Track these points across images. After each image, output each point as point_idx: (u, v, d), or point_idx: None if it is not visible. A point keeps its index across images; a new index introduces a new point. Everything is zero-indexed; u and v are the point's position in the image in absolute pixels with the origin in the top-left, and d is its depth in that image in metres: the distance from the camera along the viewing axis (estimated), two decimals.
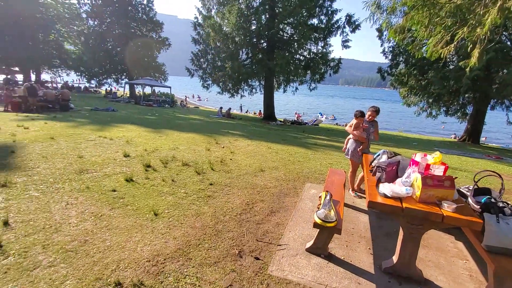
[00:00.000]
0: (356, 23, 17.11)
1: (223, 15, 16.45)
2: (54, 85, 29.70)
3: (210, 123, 13.94)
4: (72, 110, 13.24)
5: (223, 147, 7.47)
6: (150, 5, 27.22)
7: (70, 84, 31.10)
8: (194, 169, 5.32)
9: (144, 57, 26.81)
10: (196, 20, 19.08)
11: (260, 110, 26.11)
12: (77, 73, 27.25)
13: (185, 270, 2.54)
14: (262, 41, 18.64)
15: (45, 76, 31.73)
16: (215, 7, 18.08)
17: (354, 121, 4.58)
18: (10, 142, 6.12)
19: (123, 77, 28.28)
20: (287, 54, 16.64)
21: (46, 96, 12.90)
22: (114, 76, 28.02)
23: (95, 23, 26.39)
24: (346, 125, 4.92)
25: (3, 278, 2.26)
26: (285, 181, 5.16)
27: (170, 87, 27.13)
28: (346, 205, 4.23)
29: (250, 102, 35.51)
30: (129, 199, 3.84)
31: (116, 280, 2.31)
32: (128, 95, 27.90)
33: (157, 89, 29.51)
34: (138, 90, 27.67)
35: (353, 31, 17.28)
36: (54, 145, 6.17)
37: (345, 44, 17.62)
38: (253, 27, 17.27)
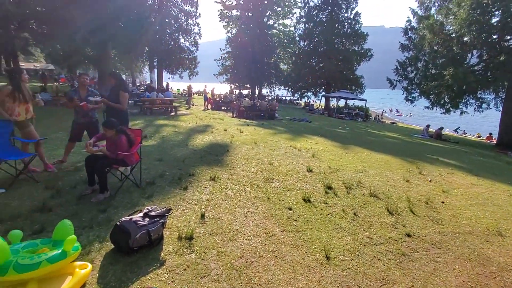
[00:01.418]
0: None
1: (447, 10, 13.16)
2: (269, 97, 37.02)
3: (411, 144, 11.47)
4: (276, 119, 15.46)
5: (430, 181, 5.55)
6: (357, 18, 27.28)
7: (279, 97, 37.59)
8: (384, 204, 4.13)
9: (343, 70, 27.25)
10: (408, 24, 16.69)
11: (490, 134, 18.93)
12: (285, 88, 32.29)
13: None
14: (510, 37, 13.19)
15: (264, 90, 40.26)
16: (436, 4, 14.91)
17: None
18: (228, 142, 7.68)
19: (321, 90, 30.29)
20: None
21: (260, 107, 15.92)
22: (313, 90, 30.67)
23: (305, 43, 30.02)
24: None
25: (181, 275, 2.38)
26: None
27: (365, 100, 25.85)
28: None
29: (471, 121, 26.94)
30: (302, 224, 3.39)
31: None
32: (323, 107, 29.51)
33: (351, 102, 29.15)
34: (333, 102, 28.56)
35: None
36: (255, 149, 7.07)
37: None
38: (495, 20, 12.57)
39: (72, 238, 2.20)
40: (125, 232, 2.52)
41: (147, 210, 2.86)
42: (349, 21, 27.58)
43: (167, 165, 5.29)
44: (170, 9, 26.76)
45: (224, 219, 3.37)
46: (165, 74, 30.38)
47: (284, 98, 39.24)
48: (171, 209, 3.02)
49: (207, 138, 8.19)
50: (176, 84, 46.87)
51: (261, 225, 3.31)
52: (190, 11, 28.47)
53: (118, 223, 2.58)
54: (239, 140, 8.11)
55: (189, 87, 20.88)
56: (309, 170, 5.50)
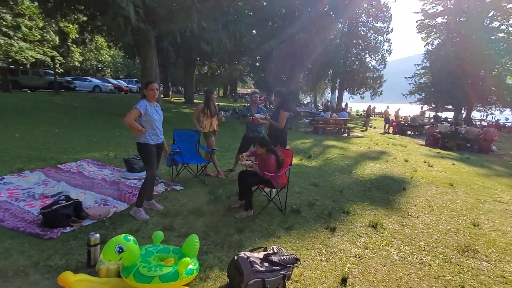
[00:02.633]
0: None
1: None
2: (483, 123, 27.46)
3: None
4: (494, 153, 10.82)
5: None
6: None
7: (500, 122, 26.96)
8: None
9: None
10: None
11: None
12: None
13: None
14: None
15: (475, 114, 30.42)
16: None
17: None
18: (407, 178, 5.91)
19: None
20: None
21: (467, 134, 11.78)
22: None
23: None
24: None
25: None
26: None
27: None
28: None
29: None
30: None
31: None
32: None
33: None
34: None
35: None
36: (448, 195, 4.94)
37: None
38: None
39: (185, 261, 2.03)
40: (239, 271, 2.10)
41: (270, 252, 2.32)
42: None
43: (321, 193, 4.62)
44: (359, 29, 26.28)
45: None
46: (345, 94, 30.12)
47: (509, 124, 27.77)
48: (298, 260, 2.32)
49: (378, 167, 6.77)
50: (356, 105, 45.59)
51: None
52: (381, 27, 26.65)
53: (235, 257, 2.20)
54: (425, 177, 6.07)
55: (369, 108, 19.26)
56: None
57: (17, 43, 24.35)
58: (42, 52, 26.66)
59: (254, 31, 16.48)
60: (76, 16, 9.75)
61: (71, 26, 22.03)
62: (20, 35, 24.79)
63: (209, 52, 12.75)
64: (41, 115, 8.59)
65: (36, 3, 9.45)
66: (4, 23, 23.18)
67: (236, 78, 28.01)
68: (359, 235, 3.25)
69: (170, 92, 24.21)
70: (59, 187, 3.72)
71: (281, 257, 2.26)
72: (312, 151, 8.38)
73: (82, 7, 9.15)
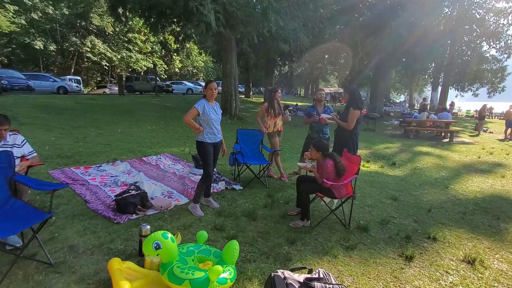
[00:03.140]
0: None
1: None
2: None
3: None
4: None
5: None
6: None
7: None
8: None
9: None
10: None
11: None
12: None
13: None
14: None
15: None
16: None
17: None
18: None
19: None
20: None
21: None
22: None
23: None
24: None
25: None
26: None
27: None
28: None
29: None
30: None
31: None
32: None
33: None
34: None
35: None
36: None
37: None
38: None
39: (216, 270, 1.90)
40: None
41: (315, 276, 1.96)
42: None
43: (400, 210, 3.84)
44: (472, 12, 21.42)
45: None
46: (451, 92, 25.15)
47: None
48: None
49: (489, 184, 5.28)
50: (467, 104, 37.62)
51: None
52: (504, 8, 21.04)
53: (272, 274, 1.95)
54: None
55: (483, 108, 15.46)
56: None
57: (135, 55, 29.92)
58: (151, 62, 32.03)
59: (337, 26, 15.44)
60: (171, 28, 11.14)
61: (171, 37, 25.80)
62: (137, 49, 30.40)
63: (287, 51, 12.61)
64: (140, 114, 10.18)
65: (142, 19, 11.16)
66: (126, 39, 28.81)
67: (317, 77, 27.07)
68: (446, 272, 2.50)
69: (251, 93, 25.27)
70: (138, 177, 4.21)
71: (326, 285, 1.88)
72: (397, 157, 7.22)
73: (175, 19, 10.37)
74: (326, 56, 18.37)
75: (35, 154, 2.96)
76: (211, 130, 3.26)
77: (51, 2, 23.34)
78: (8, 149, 2.69)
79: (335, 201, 3.23)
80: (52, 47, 24.78)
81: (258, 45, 11.41)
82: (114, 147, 5.80)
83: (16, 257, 2.10)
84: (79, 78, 21.54)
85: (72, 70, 27.49)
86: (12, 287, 2.02)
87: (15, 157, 2.74)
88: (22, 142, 2.83)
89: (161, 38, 20.21)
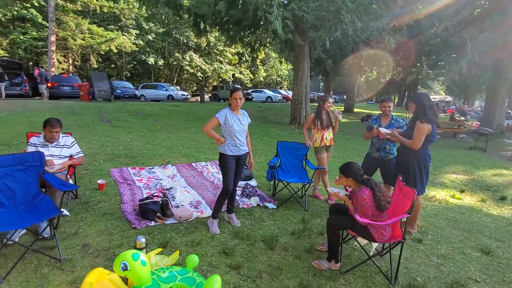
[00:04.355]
0: None
1: None
2: None
3: None
4: None
5: None
6: None
7: None
8: None
9: None
10: None
11: None
12: None
13: None
14: None
15: None
16: None
17: None
18: None
19: None
20: None
21: None
22: None
23: None
24: None
25: None
26: None
27: None
28: None
29: None
30: None
31: None
32: None
33: None
34: None
35: None
36: None
37: None
38: None
39: None
40: None
41: None
42: None
43: (491, 270, 2.68)
44: None
45: None
46: None
47: None
48: None
49: None
50: None
51: None
52: None
53: None
54: None
55: None
56: None
57: (225, 66, 32.76)
58: (239, 72, 34.44)
59: (436, 23, 12.87)
60: (246, 39, 11.56)
61: (246, 47, 27.21)
62: (226, 60, 33.26)
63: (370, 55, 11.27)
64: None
65: (221, 32, 11.94)
66: (218, 52, 31.87)
67: (414, 82, 23.35)
68: None
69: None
70: (178, 182, 4.30)
71: None
72: (510, 190, 5.30)
73: (247, 29, 10.66)
74: (423, 58, 15.56)
75: (82, 154, 3.32)
76: (233, 141, 2.99)
77: (162, 25, 28.07)
78: (59, 148, 3.08)
79: (375, 244, 2.43)
80: (161, 62, 29.73)
81: (335, 50, 10.54)
82: (174, 151, 6.21)
83: (26, 249, 2.31)
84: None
85: (175, 81, 32.20)
86: (23, 274, 2.20)
87: (64, 156, 3.12)
88: (71, 143, 3.22)
89: (242, 48, 21.36)
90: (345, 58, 13.17)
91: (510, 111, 20.62)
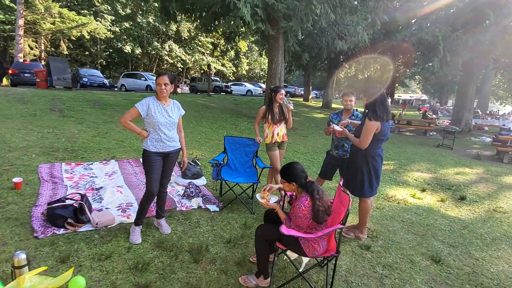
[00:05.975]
0: None
1: None
2: None
3: None
4: None
5: None
6: None
7: None
8: None
9: None
10: None
11: None
12: None
13: None
14: None
15: None
16: None
17: None
18: None
19: None
20: None
21: None
22: None
23: None
24: None
25: None
26: None
27: None
28: None
29: None
30: None
31: None
32: None
33: None
34: None
35: None
36: None
37: None
38: None
39: None
40: None
41: None
42: None
43: (439, 282, 2.43)
44: None
45: None
46: None
47: None
48: None
49: None
50: None
51: None
52: None
53: None
54: None
55: None
56: None
57: (206, 58, 31.82)
58: (221, 64, 33.60)
59: (412, 21, 12.82)
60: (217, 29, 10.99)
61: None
62: (208, 52, 32.31)
63: (345, 50, 11.03)
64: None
65: (190, 19, 11.28)
66: (200, 43, 30.86)
67: (392, 80, 23.62)
68: None
69: (310, 96, 23.71)
70: (114, 181, 3.83)
71: None
72: (471, 189, 5.23)
73: (218, 17, 10.10)
74: (400, 56, 15.62)
75: None
76: (157, 136, 2.56)
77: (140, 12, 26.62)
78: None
79: (305, 259, 2.10)
80: (138, 51, 28.36)
81: (309, 43, 10.22)
82: (125, 145, 5.68)
83: None
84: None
85: (154, 71, 30.90)
86: None
87: None
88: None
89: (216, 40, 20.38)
90: (322, 53, 12.92)
91: (478, 110, 21.31)
